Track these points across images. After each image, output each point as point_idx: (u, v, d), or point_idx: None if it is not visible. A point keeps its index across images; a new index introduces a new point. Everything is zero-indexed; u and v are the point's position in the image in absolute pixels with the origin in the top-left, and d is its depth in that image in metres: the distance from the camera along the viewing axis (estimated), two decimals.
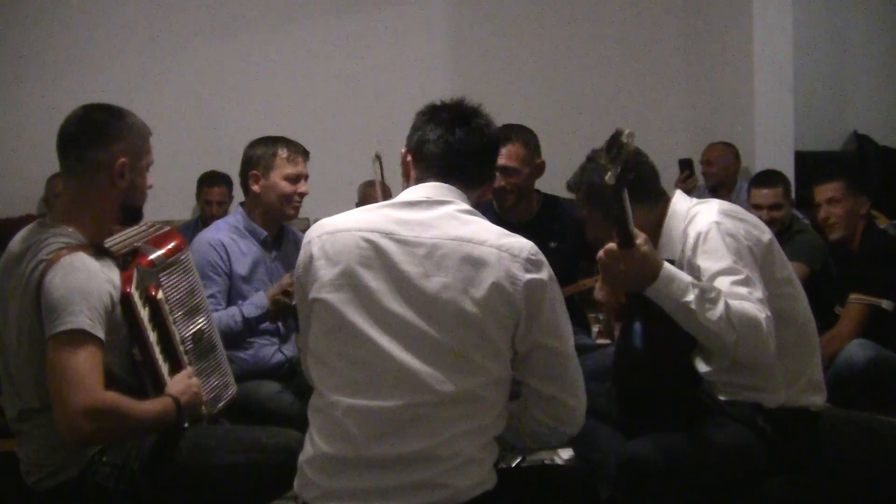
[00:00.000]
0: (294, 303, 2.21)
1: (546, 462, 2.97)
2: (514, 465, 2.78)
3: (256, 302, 2.82)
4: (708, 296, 1.90)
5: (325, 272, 1.73)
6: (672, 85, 5.82)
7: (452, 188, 1.81)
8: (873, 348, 3.09)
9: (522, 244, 1.73)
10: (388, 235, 1.73)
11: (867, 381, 2.97)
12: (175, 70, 5.19)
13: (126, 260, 2.05)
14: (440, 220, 1.74)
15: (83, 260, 1.89)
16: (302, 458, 1.76)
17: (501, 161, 3.20)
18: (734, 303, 1.92)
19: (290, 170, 2.92)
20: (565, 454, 3.03)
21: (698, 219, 2.16)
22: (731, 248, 2.04)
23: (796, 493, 2.17)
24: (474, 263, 1.69)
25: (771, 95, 5.01)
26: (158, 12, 5.18)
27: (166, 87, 5.15)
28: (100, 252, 1.98)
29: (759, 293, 1.99)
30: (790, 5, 5.05)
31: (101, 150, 1.99)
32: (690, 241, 2.11)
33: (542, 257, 1.74)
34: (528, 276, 1.69)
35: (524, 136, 3.26)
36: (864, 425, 2.66)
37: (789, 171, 4.87)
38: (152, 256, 2.07)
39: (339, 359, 1.72)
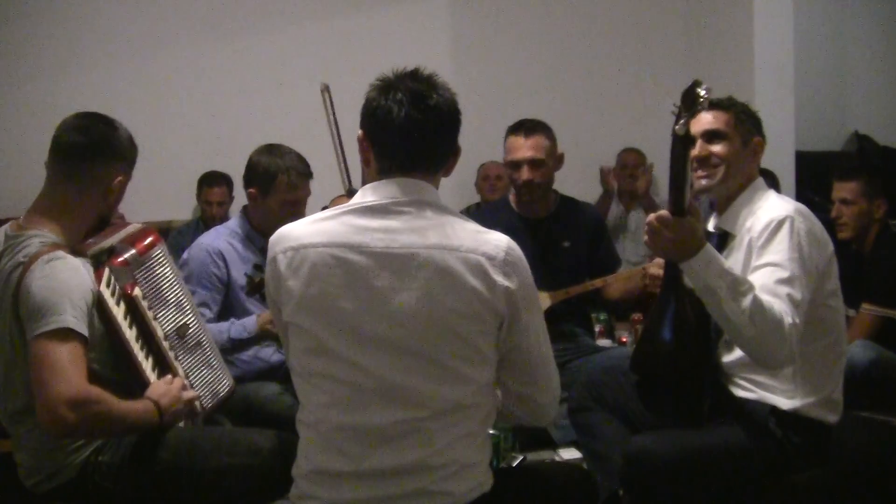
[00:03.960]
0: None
1: (546, 462, 2.97)
2: (514, 465, 2.78)
3: (247, 325, 2.80)
4: (739, 288, 1.91)
5: (296, 293, 1.65)
6: (673, 84, 5.74)
7: (418, 182, 1.68)
8: (875, 349, 3.09)
9: (498, 244, 1.64)
10: (357, 249, 1.63)
11: (869, 382, 2.96)
12: (175, 70, 5.17)
13: (100, 259, 2.04)
14: (410, 226, 1.64)
15: (62, 258, 1.89)
16: (296, 470, 1.72)
17: (529, 153, 3.17)
18: (765, 299, 1.92)
19: (289, 196, 2.83)
20: (565, 454, 3.03)
21: (774, 206, 2.15)
22: (795, 247, 2.04)
23: (800, 493, 2.17)
24: (451, 271, 1.60)
25: (771, 95, 4.99)
26: (158, 12, 5.17)
27: (166, 87, 5.13)
28: (75, 252, 1.97)
29: (798, 296, 1.98)
30: (790, 5, 5.04)
31: (103, 166, 2.01)
32: (761, 223, 2.11)
33: (517, 256, 1.66)
34: (506, 281, 1.62)
35: (546, 128, 3.23)
36: (866, 426, 2.66)
37: (789, 172, 4.87)
38: (126, 255, 2.07)
39: (322, 379, 1.66)
